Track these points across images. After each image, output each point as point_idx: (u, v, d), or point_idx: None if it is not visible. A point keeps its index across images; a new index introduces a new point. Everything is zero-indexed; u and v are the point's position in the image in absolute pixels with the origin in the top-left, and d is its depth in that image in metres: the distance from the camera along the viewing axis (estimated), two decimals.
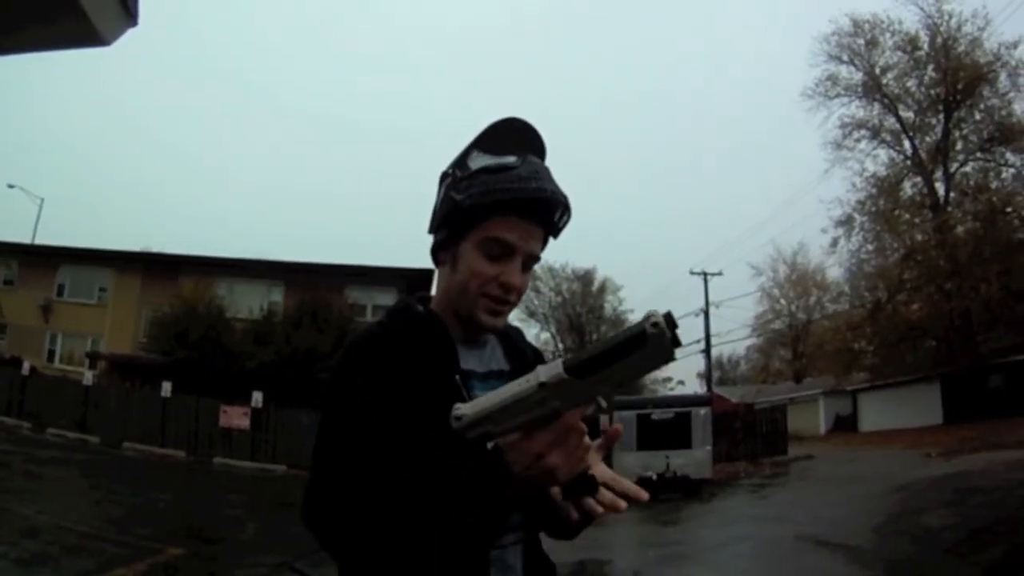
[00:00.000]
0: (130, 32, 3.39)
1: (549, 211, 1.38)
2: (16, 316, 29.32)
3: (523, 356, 1.54)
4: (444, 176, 1.44)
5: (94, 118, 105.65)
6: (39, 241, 32.39)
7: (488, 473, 1.16)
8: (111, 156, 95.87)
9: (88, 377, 24.64)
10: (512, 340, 1.56)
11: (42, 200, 35.27)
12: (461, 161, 1.40)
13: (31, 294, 29.65)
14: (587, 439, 1.19)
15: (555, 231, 1.43)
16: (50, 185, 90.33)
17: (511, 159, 1.35)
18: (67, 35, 3.31)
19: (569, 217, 1.41)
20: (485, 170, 1.35)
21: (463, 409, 1.12)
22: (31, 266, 30.45)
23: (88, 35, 3.21)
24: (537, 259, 1.42)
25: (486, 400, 1.12)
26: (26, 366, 24.18)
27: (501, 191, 1.32)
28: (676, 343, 1.01)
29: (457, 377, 1.35)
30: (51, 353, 29.75)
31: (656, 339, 0.99)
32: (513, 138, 1.41)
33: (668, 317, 1.00)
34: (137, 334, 28.83)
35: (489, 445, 1.17)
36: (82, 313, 29.91)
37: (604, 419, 1.23)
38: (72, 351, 29.69)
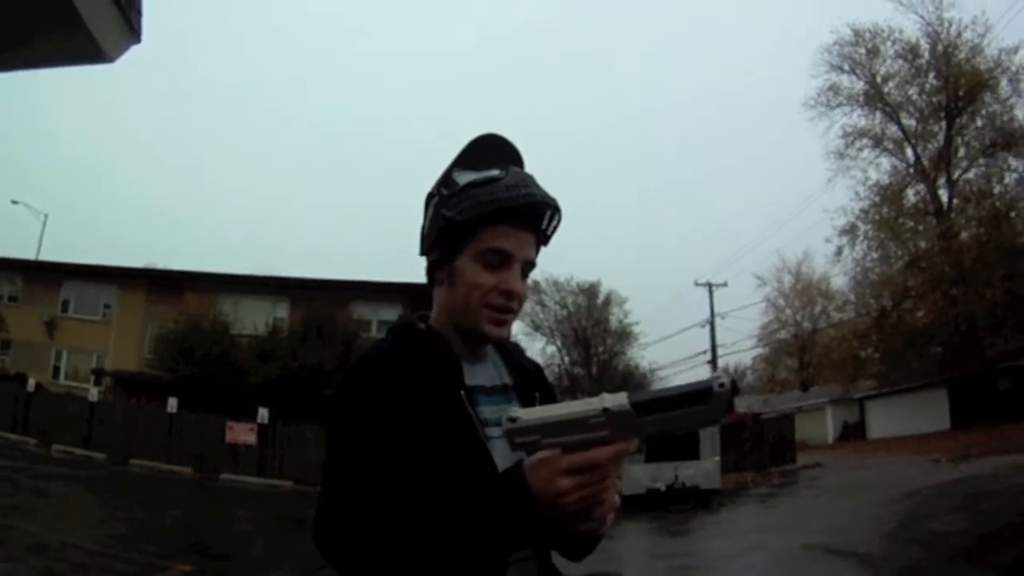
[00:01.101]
0: (133, 48, 3.40)
1: (539, 216, 1.40)
2: (21, 332, 29.37)
3: (524, 371, 1.55)
4: (430, 197, 1.45)
5: (98, 134, 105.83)
6: (43, 257, 32.45)
7: (506, 493, 1.18)
8: (115, 172, 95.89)
9: (93, 393, 24.66)
10: (512, 355, 1.57)
11: (46, 216, 35.39)
12: (446, 180, 1.42)
13: (36, 310, 29.68)
14: (615, 498, 1.26)
15: (545, 237, 1.45)
16: (54, 201, 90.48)
17: (495, 171, 1.37)
18: (71, 52, 3.33)
19: (559, 220, 1.43)
20: (472, 184, 1.36)
21: (519, 412, 1.15)
22: (35, 282, 30.46)
23: (92, 52, 3.23)
24: (533, 265, 1.43)
25: (544, 411, 1.16)
26: (31, 382, 24.24)
27: (492, 201, 1.34)
28: (731, 407, 1.08)
29: (462, 393, 1.36)
30: (56, 369, 29.73)
31: (719, 398, 1.06)
32: (493, 152, 1.43)
33: (733, 382, 1.07)
34: (142, 350, 28.83)
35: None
36: (87, 329, 29.92)
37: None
38: (77, 367, 29.69)
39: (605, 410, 1.10)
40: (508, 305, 1.39)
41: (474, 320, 1.39)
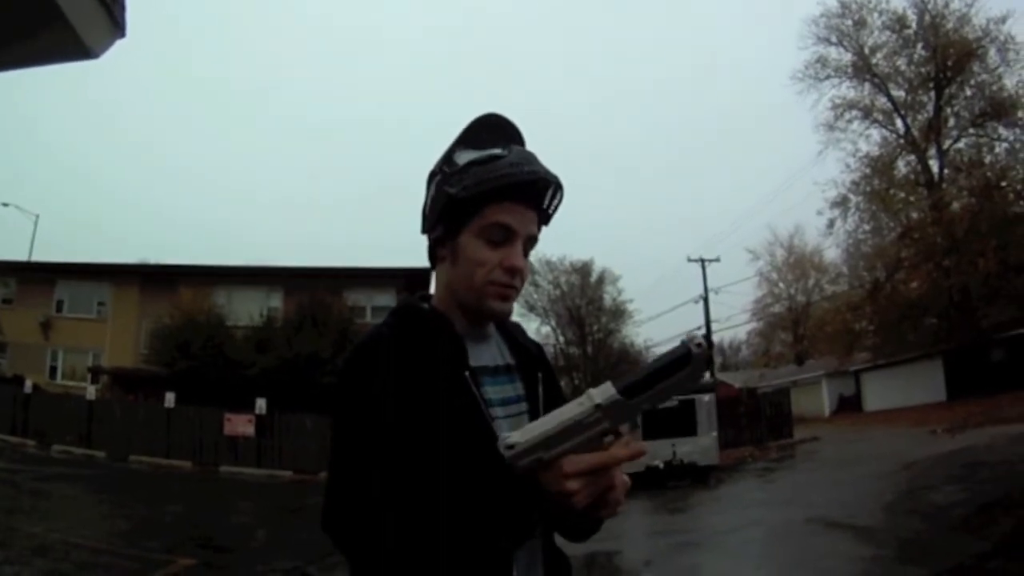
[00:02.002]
0: (119, 43, 3.36)
1: (541, 193, 1.40)
2: (16, 334, 29.30)
3: (526, 351, 1.55)
4: (433, 175, 1.45)
5: (85, 131, 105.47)
6: (36, 258, 32.31)
7: (517, 489, 1.19)
8: (104, 169, 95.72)
9: (91, 392, 24.66)
10: (513, 335, 1.56)
11: (37, 217, 35.19)
12: (448, 158, 1.41)
13: (30, 312, 29.60)
14: (623, 478, 1.25)
15: (547, 215, 1.45)
16: (45, 202, 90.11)
17: (497, 150, 1.37)
18: (54, 49, 3.28)
19: (562, 197, 1.43)
20: (475, 162, 1.36)
21: (514, 438, 1.15)
22: (29, 283, 30.38)
23: (75, 48, 3.18)
24: (535, 241, 1.44)
25: (538, 426, 1.16)
26: (28, 384, 24.20)
27: (496, 178, 1.33)
28: (711, 363, 1.09)
29: (467, 374, 1.36)
30: (53, 370, 29.68)
31: (699, 359, 1.08)
32: (494, 131, 1.43)
33: (707, 338, 1.06)
34: (138, 346, 28.78)
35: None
36: (82, 328, 29.85)
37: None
38: (74, 367, 29.62)
39: (597, 406, 1.12)
40: (511, 282, 1.40)
41: (478, 297, 1.40)
